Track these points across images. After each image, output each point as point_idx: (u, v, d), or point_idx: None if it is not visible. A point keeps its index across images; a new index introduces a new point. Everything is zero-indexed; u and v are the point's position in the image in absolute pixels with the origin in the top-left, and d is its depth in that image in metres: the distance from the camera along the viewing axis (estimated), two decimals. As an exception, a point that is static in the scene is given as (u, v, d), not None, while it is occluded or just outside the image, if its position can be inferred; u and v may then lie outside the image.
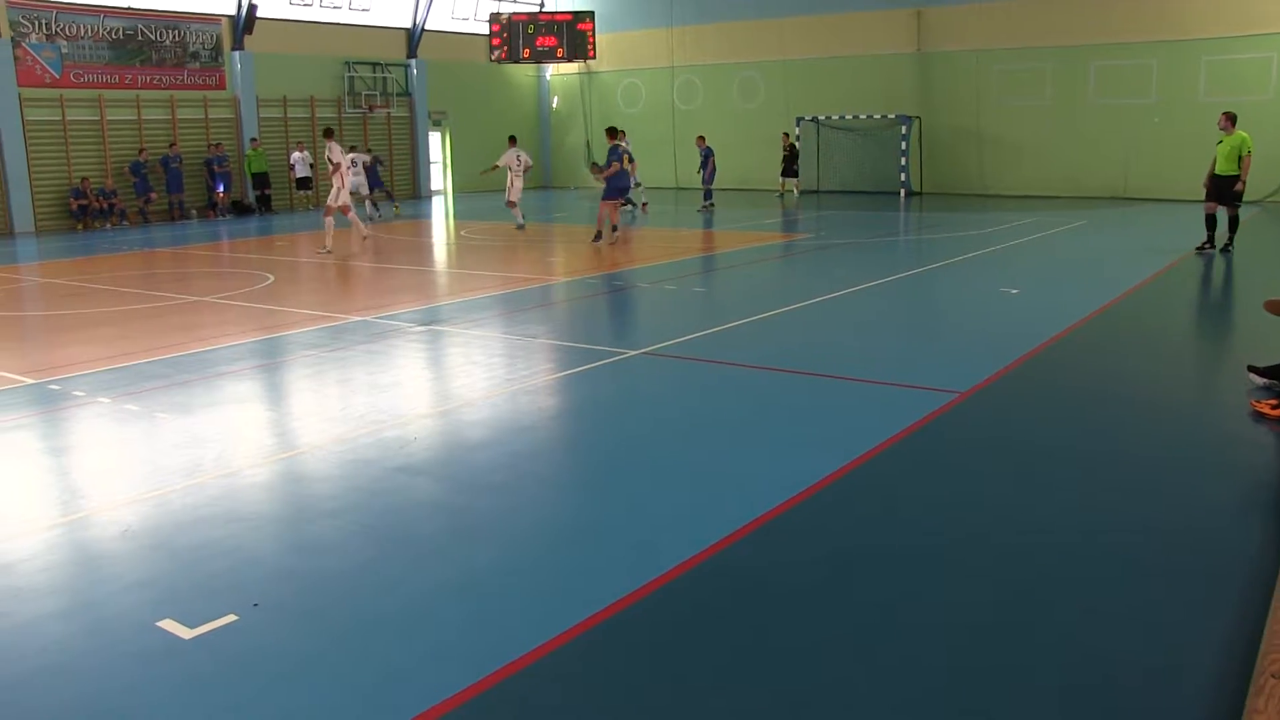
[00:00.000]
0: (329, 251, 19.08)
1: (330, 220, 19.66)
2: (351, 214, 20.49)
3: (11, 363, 10.30)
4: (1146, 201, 26.54)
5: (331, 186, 20.24)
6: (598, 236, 19.34)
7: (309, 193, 30.12)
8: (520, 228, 22.64)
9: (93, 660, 4.43)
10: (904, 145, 29.88)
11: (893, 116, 30.48)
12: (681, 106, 35.36)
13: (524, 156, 23.41)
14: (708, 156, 27.52)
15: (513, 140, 23.83)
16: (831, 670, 4.16)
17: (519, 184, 23.18)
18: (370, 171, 27.55)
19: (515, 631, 4.48)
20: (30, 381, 9.49)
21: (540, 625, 4.52)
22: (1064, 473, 6.50)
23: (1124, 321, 11.40)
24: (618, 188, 19.66)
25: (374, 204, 27.12)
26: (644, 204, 27.30)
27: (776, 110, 33.11)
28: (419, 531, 5.77)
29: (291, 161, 29.70)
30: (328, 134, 20.48)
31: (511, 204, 22.92)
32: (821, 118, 31.99)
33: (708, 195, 27.77)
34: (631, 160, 27.87)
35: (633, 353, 9.89)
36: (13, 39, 25.65)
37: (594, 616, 4.59)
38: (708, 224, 24.04)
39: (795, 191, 30.93)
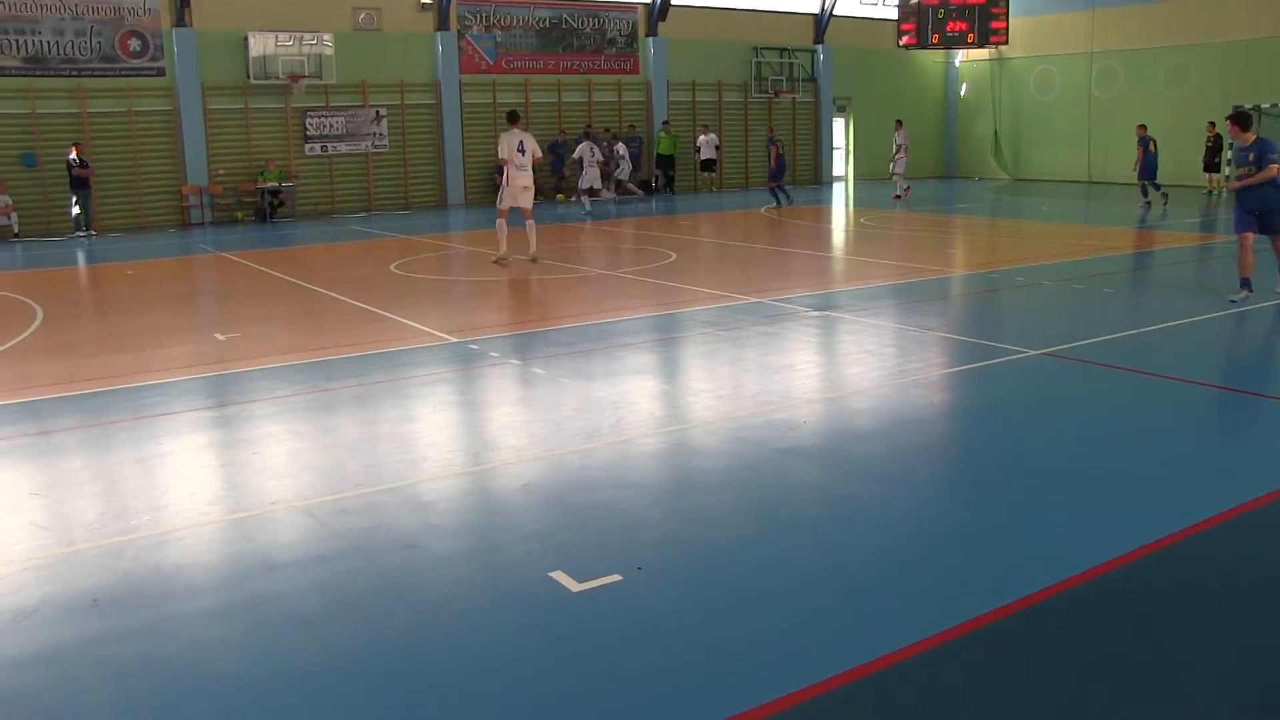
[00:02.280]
0: (502, 260, 15.72)
1: (502, 223, 15.95)
2: (501, 220, 15.93)
3: (439, 322, 11.28)
4: None
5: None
6: None
7: (712, 175, 30.96)
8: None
9: (489, 599, 4.74)
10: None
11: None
12: (1099, 95, 33.13)
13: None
14: (1145, 146, 24.29)
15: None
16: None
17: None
18: (627, 154, 28.52)
19: (886, 626, 4.34)
20: (454, 340, 10.35)
21: (912, 623, 4.36)
22: None
23: None
24: None
25: (622, 191, 27.10)
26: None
27: (1209, 98, 30.19)
28: (801, 515, 5.73)
29: (697, 144, 30.64)
30: (511, 119, 15.94)
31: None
32: (1266, 105, 28.83)
33: (1145, 190, 24.54)
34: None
35: (1032, 352, 9.37)
36: (458, 31, 28.14)
37: (968, 623, 4.36)
38: (1124, 220, 22.35)
39: (1222, 189, 28.15)
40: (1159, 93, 31.70)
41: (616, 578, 4.84)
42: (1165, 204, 23.59)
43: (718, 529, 5.50)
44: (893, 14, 34.29)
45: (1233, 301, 11.50)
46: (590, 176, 25.64)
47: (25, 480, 6.57)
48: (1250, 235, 11.64)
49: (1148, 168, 24.15)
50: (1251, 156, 11.55)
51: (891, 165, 27.80)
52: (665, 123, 30.97)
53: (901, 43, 33.86)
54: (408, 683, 4.00)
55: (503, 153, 15.67)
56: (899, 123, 28.47)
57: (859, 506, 5.87)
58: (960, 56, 37.60)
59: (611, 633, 4.36)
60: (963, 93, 37.88)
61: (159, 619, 4.59)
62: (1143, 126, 24.75)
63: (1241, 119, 11.90)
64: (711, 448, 6.97)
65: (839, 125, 36.29)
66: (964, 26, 32.95)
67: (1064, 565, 4.88)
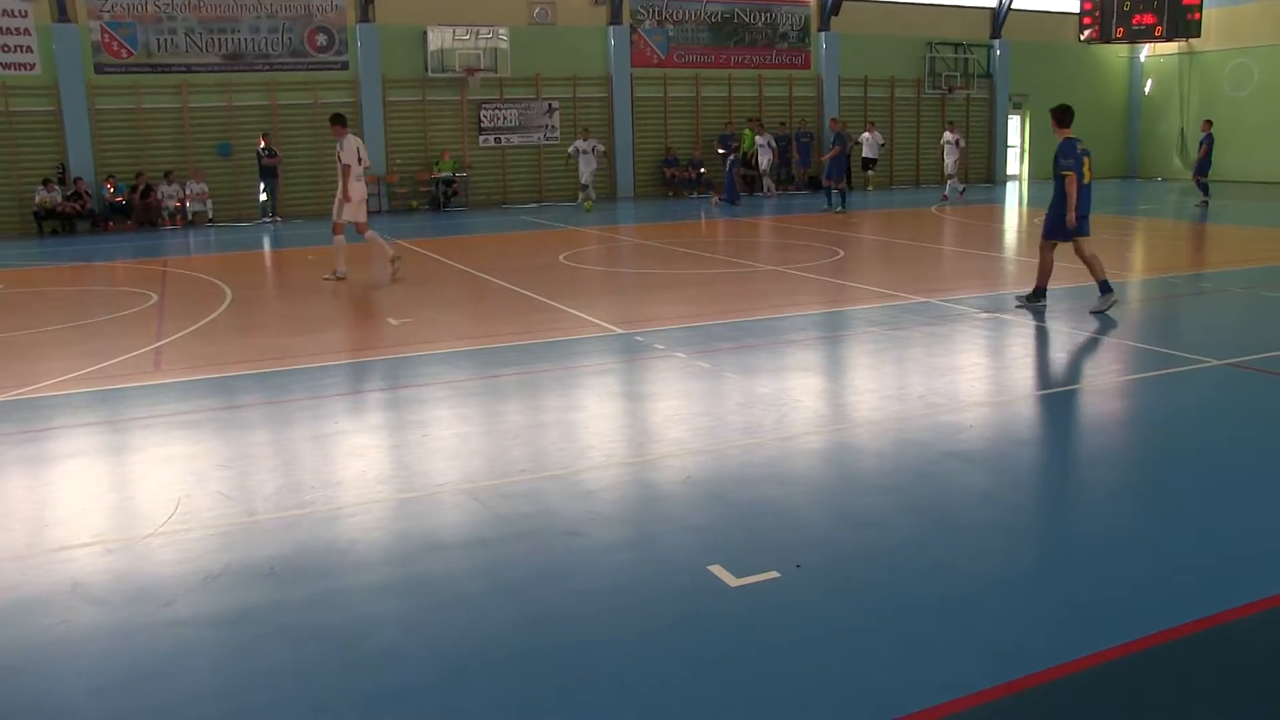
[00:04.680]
0: (340, 277, 14.34)
1: (340, 239, 14.54)
2: (369, 233, 14.65)
3: (606, 313, 11.42)
4: None
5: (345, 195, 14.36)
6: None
7: (872, 173, 30.34)
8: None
9: (647, 589, 4.76)
10: None
11: None
12: (1303, 89, 31.23)
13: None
14: (1203, 143, 24.42)
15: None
16: None
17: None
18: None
19: (1047, 640, 4.20)
20: (620, 332, 10.46)
21: (1074, 639, 4.20)
22: None
23: None
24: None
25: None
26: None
27: None
28: (965, 520, 5.60)
29: (859, 140, 29.83)
30: (337, 121, 14.52)
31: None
32: None
33: (1204, 189, 24.48)
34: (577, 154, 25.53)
35: (1215, 362, 8.91)
36: (631, 25, 28.40)
37: (1134, 642, 4.17)
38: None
39: None
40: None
41: (775, 575, 4.81)
42: (1204, 205, 23.84)
43: (879, 531, 5.41)
44: (1074, 6, 33.06)
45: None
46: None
47: (214, 452, 6.93)
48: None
49: (1204, 165, 24.30)
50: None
51: (950, 166, 26.99)
52: (750, 119, 29.87)
53: (1083, 37, 32.63)
54: (564, 667, 4.06)
55: (351, 157, 14.15)
56: (951, 124, 27.80)
57: (1025, 515, 5.70)
58: (1146, 51, 36.00)
59: (768, 629, 4.33)
60: (1147, 89, 36.28)
61: (330, 591, 4.78)
62: (1208, 122, 24.90)
63: (1059, 112, 11.11)
64: (875, 448, 6.86)
65: (1014, 123, 35.22)
66: (1152, 19, 31.50)
67: (1240, 590, 4.63)
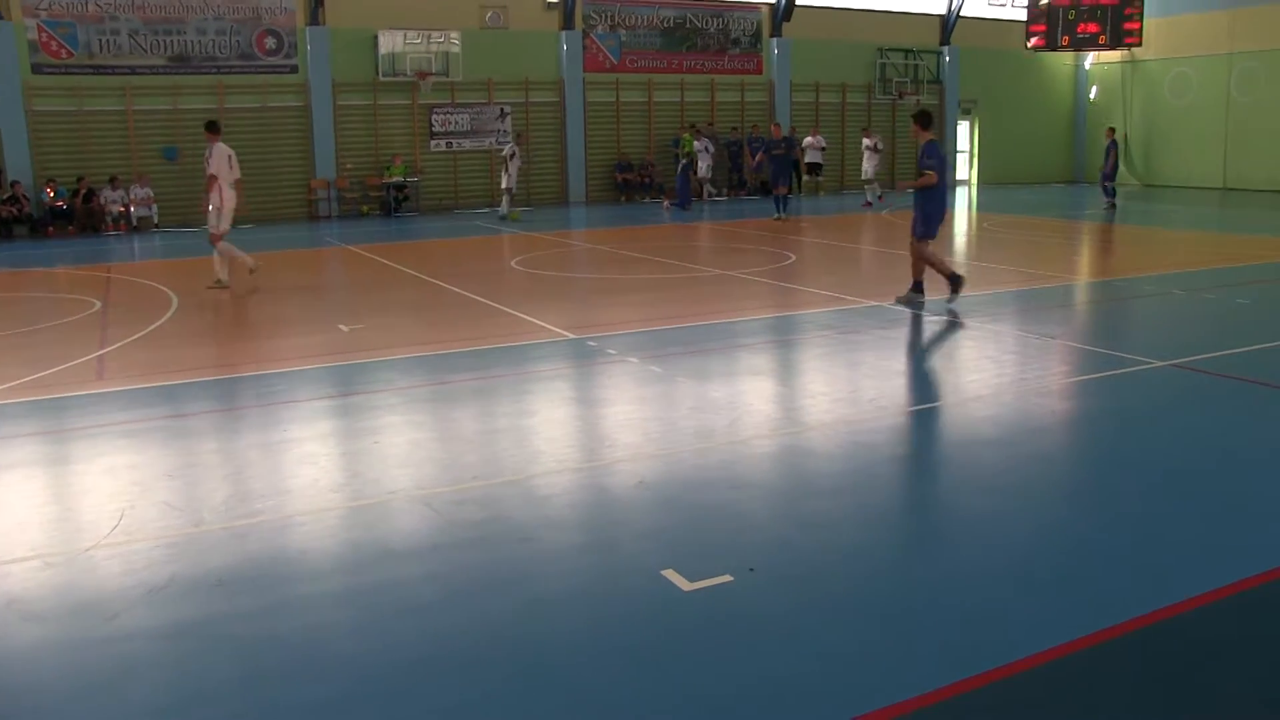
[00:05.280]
0: (224, 284, 14.30)
1: (225, 246, 14.41)
2: (223, 244, 14.33)
3: (558, 319, 11.38)
4: None
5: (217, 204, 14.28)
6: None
7: (819, 178, 30.36)
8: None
9: (600, 594, 4.76)
10: None
11: None
12: (1239, 98, 31.85)
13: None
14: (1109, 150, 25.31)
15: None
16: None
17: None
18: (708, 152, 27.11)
19: (997, 639, 4.24)
20: (571, 337, 10.43)
21: (1030, 637, 4.24)
22: None
23: None
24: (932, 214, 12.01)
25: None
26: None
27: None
28: (915, 521, 5.64)
29: (803, 145, 29.29)
30: (210, 129, 14.60)
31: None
32: None
33: (1111, 191, 25.47)
34: (514, 158, 24.04)
35: (1159, 363, 9.05)
36: (583, 30, 28.39)
37: (1085, 639, 4.22)
38: (1262, 228, 21.45)
39: None
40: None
41: (728, 579, 4.81)
42: (1113, 208, 24.95)
43: (832, 533, 5.43)
44: (1021, 15, 33.51)
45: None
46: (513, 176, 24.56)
47: (160, 461, 6.82)
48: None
49: (1113, 169, 25.36)
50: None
51: (869, 170, 27.32)
52: (692, 125, 28.84)
53: (1030, 45, 33.08)
54: (517, 674, 4.04)
55: (221, 166, 14.12)
56: (865, 129, 28.37)
57: (977, 514, 5.74)
58: (1091, 59, 36.56)
59: (721, 633, 4.34)
60: (1092, 96, 36.83)
61: (280, 600, 4.72)
62: (1112, 129, 25.87)
63: (921, 117, 12.33)
64: (827, 451, 6.89)
65: (964, 128, 35.58)
66: (1096, 28, 32.06)
67: (1184, 586, 4.70)
